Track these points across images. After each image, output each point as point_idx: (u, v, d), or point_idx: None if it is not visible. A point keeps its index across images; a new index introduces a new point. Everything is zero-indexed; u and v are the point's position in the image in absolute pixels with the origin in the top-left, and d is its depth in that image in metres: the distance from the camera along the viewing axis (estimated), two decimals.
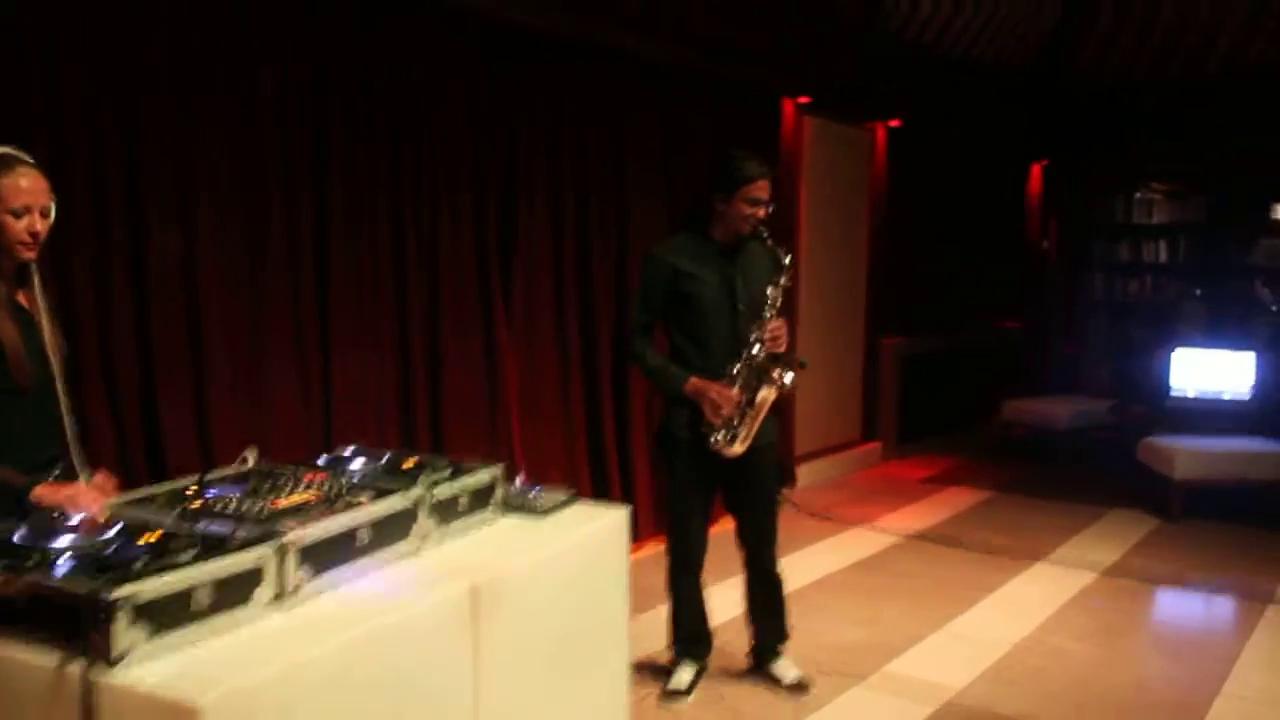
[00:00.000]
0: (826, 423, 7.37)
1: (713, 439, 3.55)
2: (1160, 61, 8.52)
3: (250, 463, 2.62)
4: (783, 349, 3.55)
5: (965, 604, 4.83)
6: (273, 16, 3.86)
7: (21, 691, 1.84)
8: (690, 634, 3.86)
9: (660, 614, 3.98)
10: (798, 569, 5.02)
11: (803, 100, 6.72)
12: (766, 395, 3.53)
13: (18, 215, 2.45)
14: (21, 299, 2.57)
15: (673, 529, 3.79)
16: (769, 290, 3.54)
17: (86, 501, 2.30)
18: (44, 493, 2.35)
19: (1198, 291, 9.02)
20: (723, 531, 3.96)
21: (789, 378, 3.51)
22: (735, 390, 3.52)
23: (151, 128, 3.52)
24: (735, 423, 3.53)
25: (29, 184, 2.46)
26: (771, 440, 3.73)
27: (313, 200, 4.06)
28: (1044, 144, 9.61)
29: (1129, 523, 6.29)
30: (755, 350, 3.53)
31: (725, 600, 4.17)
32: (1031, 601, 4.91)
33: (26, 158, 2.50)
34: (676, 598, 3.84)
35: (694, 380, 3.55)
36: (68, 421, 2.56)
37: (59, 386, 2.55)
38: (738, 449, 3.55)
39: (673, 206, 5.77)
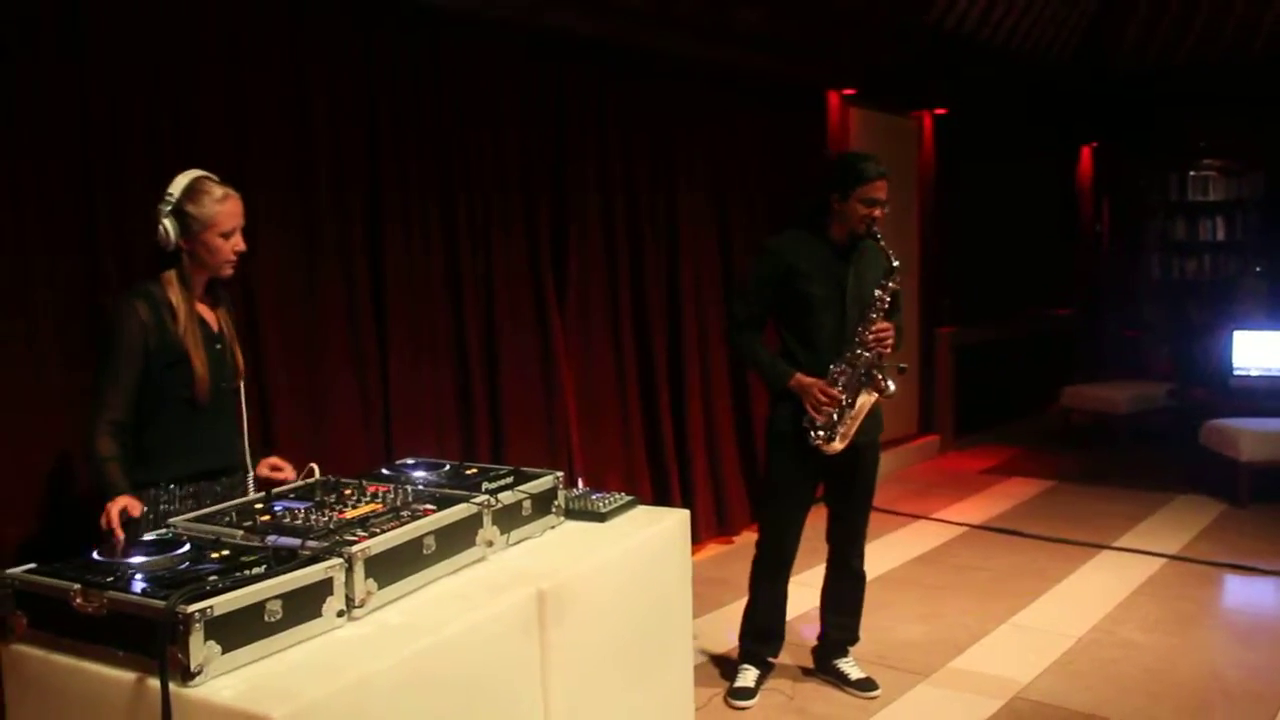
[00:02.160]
0: (885, 415, 7.28)
1: (813, 435, 3.56)
2: (1206, 40, 8.35)
3: (315, 476, 2.66)
4: (888, 350, 3.53)
5: (1029, 596, 4.77)
6: (323, 23, 3.87)
7: (103, 705, 1.88)
8: (763, 631, 3.82)
9: (725, 614, 3.98)
10: None
11: (848, 92, 6.67)
12: (866, 400, 3.53)
13: (227, 237, 2.66)
14: (209, 317, 2.74)
15: (768, 522, 3.77)
16: (877, 292, 3.52)
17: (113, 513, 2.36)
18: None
19: (1258, 269, 8.84)
20: (810, 523, 3.95)
21: (891, 386, 3.52)
22: (837, 390, 3.53)
23: (202, 133, 3.50)
24: (835, 421, 3.54)
25: (235, 207, 2.68)
26: (875, 438, 3.73)
27: (364, 208, 4.07)
28: (1093, 126, 9.47)
29: (1195, 508, 6.19)
30: (859, 351, 3.53)
31: (796, 595, 4.11)
32: (1097, 592, 4.84)
33: (228, 185, 2.70)
34: (758, 593, 3.80)
35: (798, 376, 3.56)
36: (246, 438, 2.75)
37: (240, 403, 2.76)
38: (838, 446, 3.55)
39: (720, 205, 5.76)
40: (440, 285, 4.36)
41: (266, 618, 1.91)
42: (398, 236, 4.17)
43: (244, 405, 2.79)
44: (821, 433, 3.54)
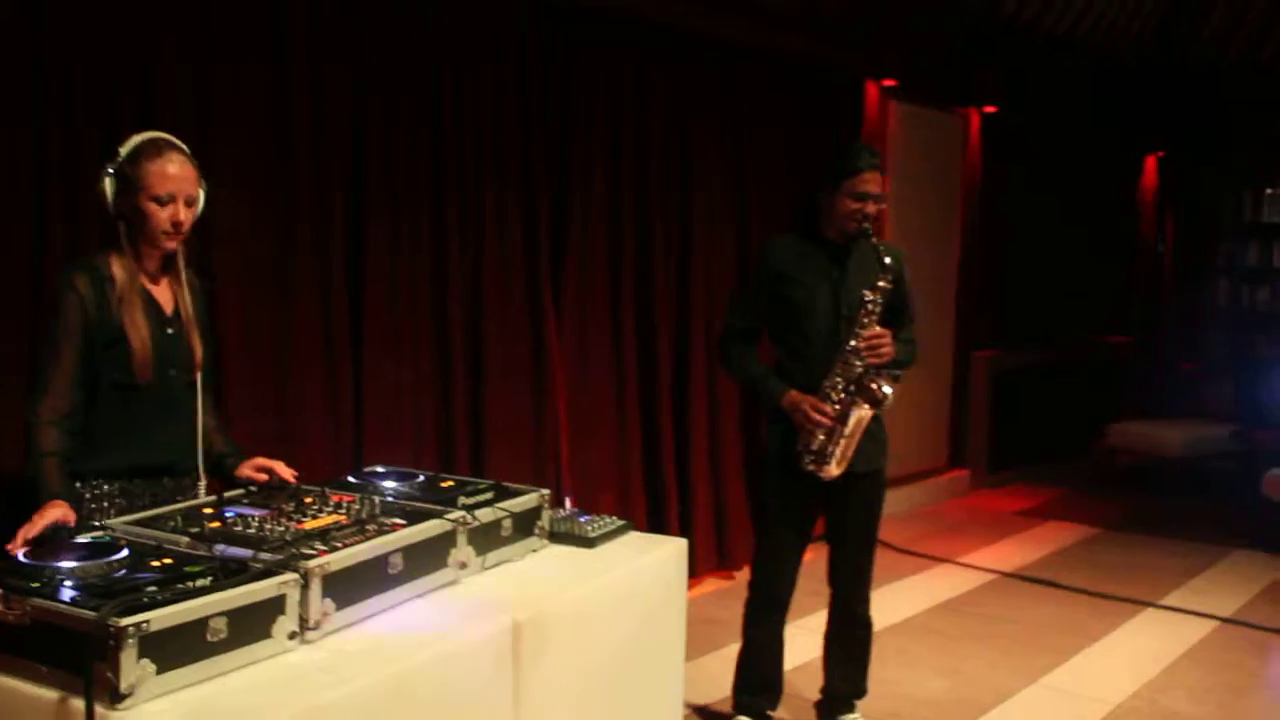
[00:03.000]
0: (908, 446, 7.27)
1: (806, 458, 3.55)
2: None
3: (272, 481, 2.66)
4: (884, 360, 3.50)
5: (1063, 654, 4.77)
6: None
7: None
8: (759, 682, 3.81)
9: (720, 658, 3.96)
10: (874, 610, 4.93)
11: (888, 83, 6.69)
12: (860, 414, 3.51)
13: (162, 203, 2.58)
14: (164, 296, 2.69)
15: (760, 558, 3.77)
16: (865, 294, 3.50)
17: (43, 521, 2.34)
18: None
19: None
20: (809, 561, 3.94)
21: (888, 391, 3.48)
22: (829, 406, 3.52)
23: (168, 104, 3.54)
24: (827, 442, 3.53)
25: (177, 170, 2.59)
26: (879, 467, 3.71)
27: (346, 193, 4.10)
28: (1160, 133, 9.46)
29: (1253, 565, 6.19)
30: (851, 361, 3.51)
31: (795, 642, 4.11)
32: (1140, 654, 4.83)
33: (178, 144, 2.63)
34: (751, 639, 3.80)
35: (791, 394, 3.57)
36: (201, 427, 2.70)
37: (198, 397, 2.70)
38: (833, 470, 3.54)
39: (741, 203, 5.78)
40: (425, 281, 4.39)
41: (209, 637, 1.90)
42: (381, 229, 4.20)
43: (203, 400, 2.73)
44: (815, 455, 3.54)
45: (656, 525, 5.25)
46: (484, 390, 4.59)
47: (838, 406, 3.51)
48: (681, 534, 4.91)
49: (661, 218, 5.35)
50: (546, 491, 2.78)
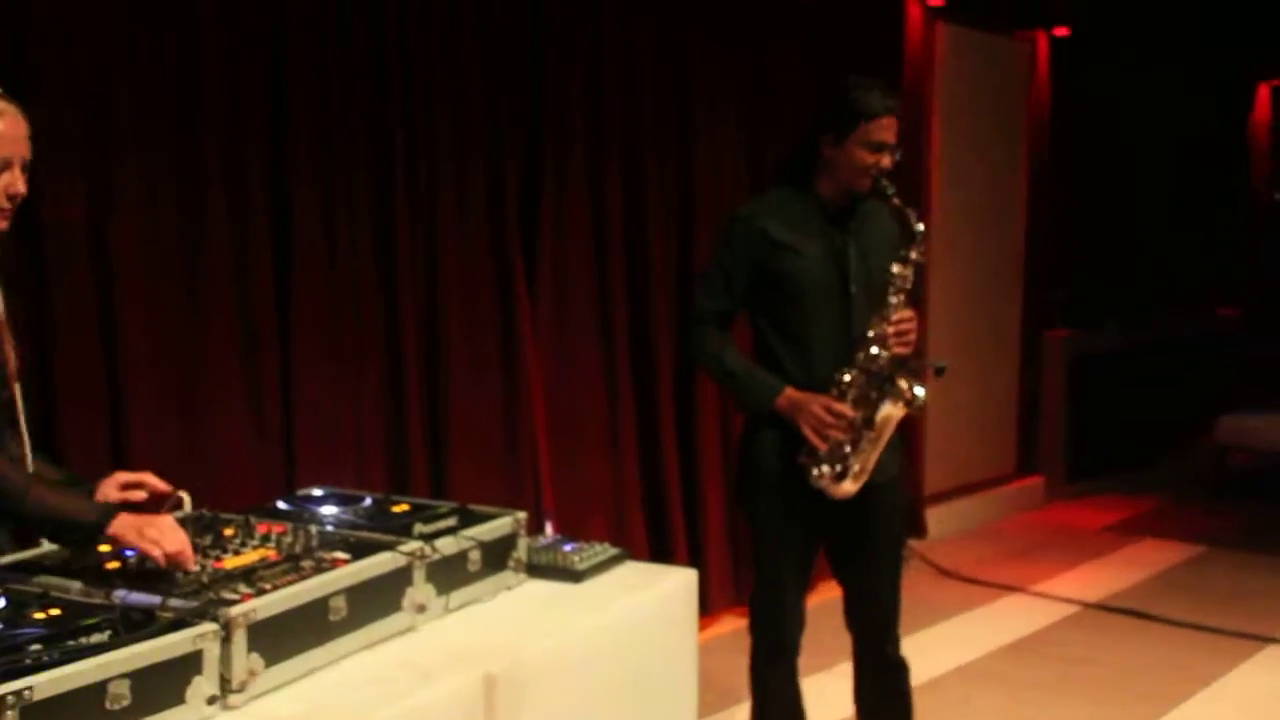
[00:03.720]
0: (967, 450, 7.33)
1: (815, 472, 3.50)
2: None
3: (185, 509, 2.63)
4: (910, 349, 3.50)
5: (1166, 702, 4.75)
6: None
7: None
8: None
9: (744, 711, 3.96)
10: (929, 651, 4.98)
11: (934, 1, 6.70)
12: (890, 413, 3.47)
13: None
14: None
15: (758, 596, 3.75)
16: (894, 268, 3.47)
17: (169, 542, 2.26)
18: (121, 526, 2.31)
19: None
20: (824, 601, 3.96)
21: (921, 392, 3.46)
22: (846, 405, 3.51)
23: (48, 44, 3.52)
24: (847, 451, 3.51)
25: (8, 128, 2.33)
26: (895, 474, 3.68)
27: (266, 153, 4.07)
28: (1277, 54, 9.47)
29: None
30: (875, 351, 3.49)
31: (825, 695, 4.10)
32: (1262, 700, 4.84)
33: (6, 96, 2.37)
34: (761, 694, 3.78)
35: (789, 391, 3.51)
36: (15, 442, 2.55)
37: (18, 416, 2.55)
38: (849, 487, 3.49)
39: (754, 153, 5.79)
40: (368, 255, 4.36)
41: (109, 704, 1.86)
42: (312, 196, 4.18)
43: (23, 419, 2.58)
44: (826, 468, 3.50)
45: (660, 553, 5.24)
46: (445, 391, 4.57)
47: (856, 407, 3.48)
48: (691, 563, 4.98)
49: (658, 185, 5.33)
50: (523, 514, 2.77)
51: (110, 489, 2.61)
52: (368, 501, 2.78)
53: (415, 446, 4.48)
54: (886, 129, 3.48)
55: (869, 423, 3.48)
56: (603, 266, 5.20)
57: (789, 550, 3.66)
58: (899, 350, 3.49)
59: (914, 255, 3.50)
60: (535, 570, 2.80)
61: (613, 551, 2.91)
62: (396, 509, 2.73)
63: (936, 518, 7.00)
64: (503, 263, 4.79)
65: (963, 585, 6.15)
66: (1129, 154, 8.29)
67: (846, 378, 3.50)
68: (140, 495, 2.59)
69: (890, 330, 3.47)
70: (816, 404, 3.48)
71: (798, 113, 5.91)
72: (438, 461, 4.57)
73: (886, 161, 3.50)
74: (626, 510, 5.25)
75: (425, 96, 4.51)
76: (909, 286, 3.51)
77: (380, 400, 4.43)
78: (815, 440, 3.49)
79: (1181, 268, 8.89)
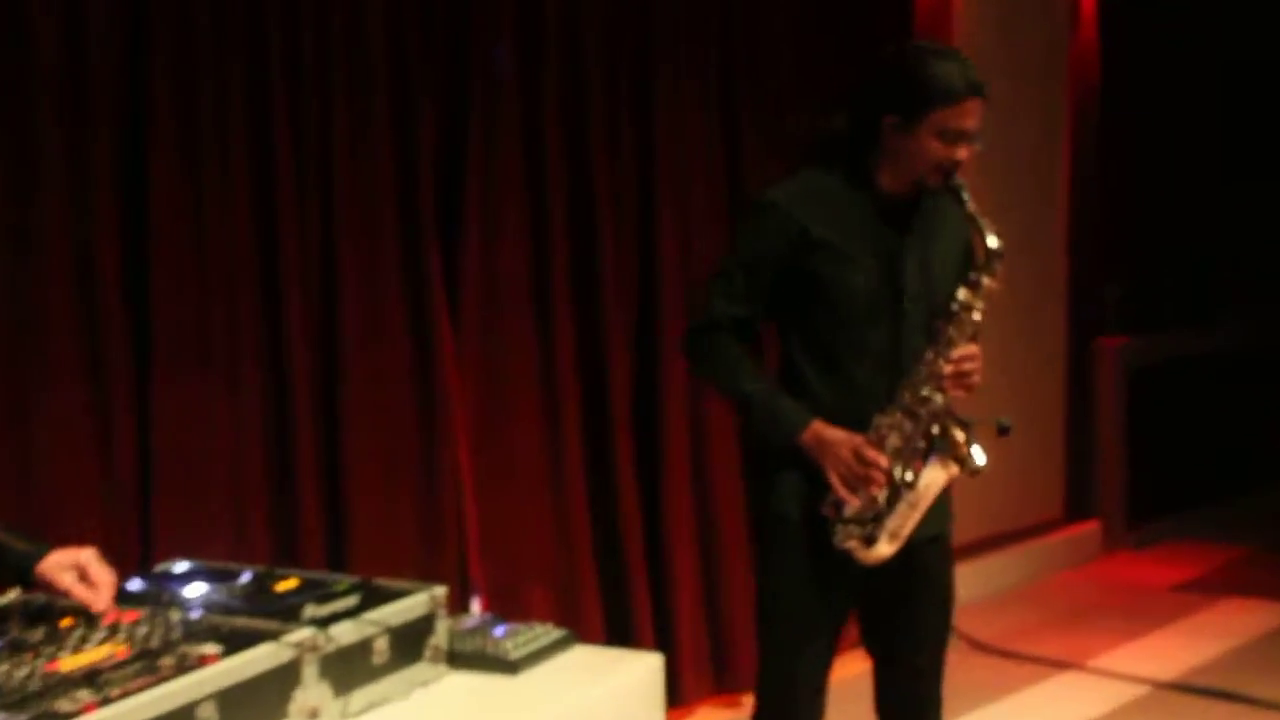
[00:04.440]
0: (1003, 490, 7.15)
1: (841, 530, 3.45)
2: None
3: (9, 595, 2.63)
4: (968, 391, 3.46)
5: None
6: None
7: None
8: None
9: None
10: None
11: None
12: (937, 475, 3.44)
13: None
14: None
15: (767, 673, 3.76)
16: (960, 294, 3.43)
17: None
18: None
19: None
20: (846, 677, 3.97)
21: (980, 456, 3.40)
22: (884, 455, 3.42)
23: None
24: (882, 508, 3.43)
25: None
26: (943, 530, 3.72)
27: (113, 112, 4.03)
28: None
29: None
30: (925, 393, 3.43)
31: None
32: None
33: None
34: None
35: (817, 426, 3.47)
36: None
37: None
38: (884, 551, 3.47)
39: (731, 128, 5.73)
40: (246, 247, 4.32)
41: None
42: (172, 176, 4.14)
43: None
44: (855, 527, 3.48)
45: (618, 633, 5.24)
46: (341, 421, 4.50)
47: (895, 457, 3.43)
48: (658, 646, 4.96)
49: (610, 151, 5.30)
50: (441, 590, 2.80)
51: (58, 572, 2.79)
52: (245, 577, 2.81)
53: (306, 499, 4.42)
54: (970, 114, 3.44)
55: (911, 483, 3.46)
56: (541, 262, 5.17)
57: (808, 618, 3.68)
58: (955, 393, 3.45)
59: (985, 281, 3.45)
60: (459, 660, 2.84)
61: (556, 634, 2.96)
62: (281, 586, 2.78)
63: (966, 577, 6.91)
64: (414, 260, 4.79)
65: (1001, 661, 6.06)
66: (1197, 123, 8.29)
67: (888, 420, 3.47)
68: (82, 592, 2.71)
69: (949, 370, 3.44)
70: (847, 447, 3.46)
71: (784, 79, 6.03)
72: (335, 509, 4.50)
73: (964, 154, 3.45)
74: (575, 575, 5.17)
75: (317, 43, 4.48)
76: (977, 318, 3.44)
77: (260, 429, 4.35)
78: (843, 493, 3.45)
79: (1265, 258, 8.90)
